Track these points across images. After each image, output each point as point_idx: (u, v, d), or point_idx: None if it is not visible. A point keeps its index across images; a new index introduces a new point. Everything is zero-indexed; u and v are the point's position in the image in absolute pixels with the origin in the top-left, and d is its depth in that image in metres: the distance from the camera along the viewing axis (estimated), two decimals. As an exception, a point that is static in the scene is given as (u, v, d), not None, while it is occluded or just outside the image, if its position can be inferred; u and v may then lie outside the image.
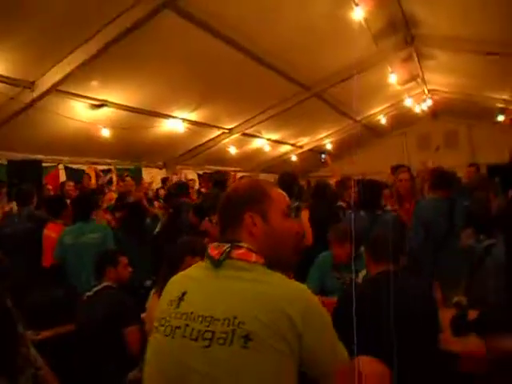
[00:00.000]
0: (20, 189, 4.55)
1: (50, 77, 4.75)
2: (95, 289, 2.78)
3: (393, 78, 7.83)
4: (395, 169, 4.79)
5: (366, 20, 5.48)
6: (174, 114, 7.12)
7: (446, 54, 7.18)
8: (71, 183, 5.99)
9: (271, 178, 10.06)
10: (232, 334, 1.04)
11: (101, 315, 2.59)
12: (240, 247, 1.18)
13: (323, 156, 9.17)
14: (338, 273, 3.31)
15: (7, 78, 4.57)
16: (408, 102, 10.18)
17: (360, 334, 1.65)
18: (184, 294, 1.17)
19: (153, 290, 2.63)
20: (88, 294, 2.80)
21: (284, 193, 1.32)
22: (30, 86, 4.80)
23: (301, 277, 3.36)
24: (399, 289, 1.87)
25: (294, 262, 1.31)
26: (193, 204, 5.83)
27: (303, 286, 1.17)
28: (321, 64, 7.01)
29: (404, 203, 4.10)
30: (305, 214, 4.18)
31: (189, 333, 1.09)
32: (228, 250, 1.17)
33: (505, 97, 8.54)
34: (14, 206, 5.19)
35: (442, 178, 3.88)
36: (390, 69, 7.57)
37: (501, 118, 9.63)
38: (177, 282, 1.27)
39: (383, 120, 11.16)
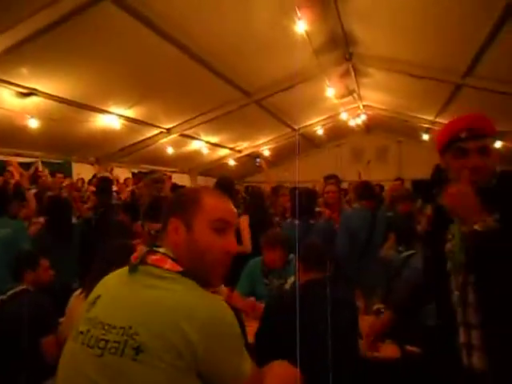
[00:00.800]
0: None
1: (-29, 59, 4.38)
2: (10, 292, 2.59)
3: (330, 92, 8.12)
4: (327, 179, 4.98)
5: (307, 33, 5.65)
6: (109, 110, 6.84)
7: (380, 72, 7.59)
8: None
9: (209, 181, 10.03)
10: (124, 345, 1.00)
11: (14, 321, 2.42)
12: (156, 252, 1.14)
13: (258, 160, 9.27)
14: (267, 279, 3.35)
15: None
16: (344, 116, 10.60)
17: (287, 340, 1.69)
18: (97, 298, 1.13)
19: (76, 293, 2.51)
20: (1, 297, 2.60)
21: (223, 206, 1.23)
22: None
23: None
24: (323, 296, 1.94)
25: (217, 280, 1.22)
26: (122, 203, 5.65)
27: (211, 298, 1.10)
28: (262, 71, 7.10)
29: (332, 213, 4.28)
30: (244, 220, 4.20)
31: (87, 339, 1.06)
32: (144, 254, 1.14)
33: (430, 118, 9.19)
34: None
35: (365, 190, 4.13)
36: (327, 82, 7.85)
37: (426, 137, 10.35)
38: (98, 286, 1.22)
39: (320, 131, 11.52)
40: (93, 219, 4.80)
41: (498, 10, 4.43)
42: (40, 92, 5.55)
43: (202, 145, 10.07)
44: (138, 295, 1.08)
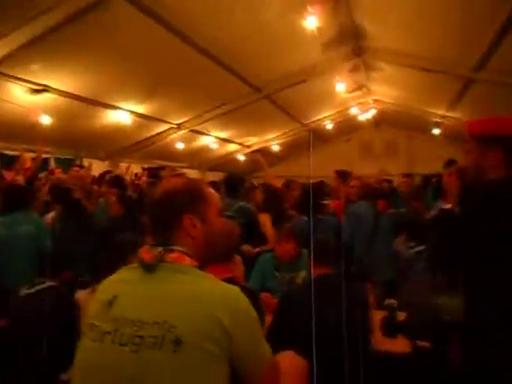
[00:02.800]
0: None
1: (-14, 56, 4.44)
2: (38, 287, 2.65)
3: (340, 87, 8.08)
4: (342, 174, 4.98)
5: (317, 28, 5.63)
6: (120, 106, 6.89)
7: (391, 67, 7.54)
8: (12, 172, 5.69)
9: (217, 176, 10.06)
10: (162, 338, 1.04)
11: (46, 315, 2.46)
12: (173, 251, 1.19)
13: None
14: (279, 273, 3.39)
15: None
16: (353, 111, 10.55)
17: (298, 333, 1.72)
18: (115, 297, 1.16)
19: (90, 289, 2.55)
20: (27, 291, 2.66)
21: (215, 192, 1.37)
22: (-40, 64, 4.46)
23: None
24: (334, 291, 1.97)
25: (229, 254, 1.45)
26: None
27: (234, 288, 1.19)
28: (272, 66, 7.10)
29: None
30: (265, 218, 4.24)
31: (118, 338, 1.08)
32: (161, 253, 1.17)
33: (440, 112, 9.11)
34: None
35: (367, 191, 4.17)
36: (337, 77, 7.82)
37: (436, 131, 10.28)
38: (107, 286, 1.24)
39: (329, 126, 11.49)
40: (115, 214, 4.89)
41: (509, 2, 4.38)
42: (52, 88, 5.60)
43: (211, 140, 10.11)
44: (166, 291, 1.12)
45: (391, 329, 2.45)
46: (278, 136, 11.76)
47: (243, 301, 1.16)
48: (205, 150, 10.65)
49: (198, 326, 1.05)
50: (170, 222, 1.22)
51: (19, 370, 2.47)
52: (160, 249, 1.18)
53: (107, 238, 4.03)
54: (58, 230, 4.21)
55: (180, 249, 1.19)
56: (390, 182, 7.71)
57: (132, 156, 9.27)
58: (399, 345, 2.52)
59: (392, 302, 2.88)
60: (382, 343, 2.46)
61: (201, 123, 8.72)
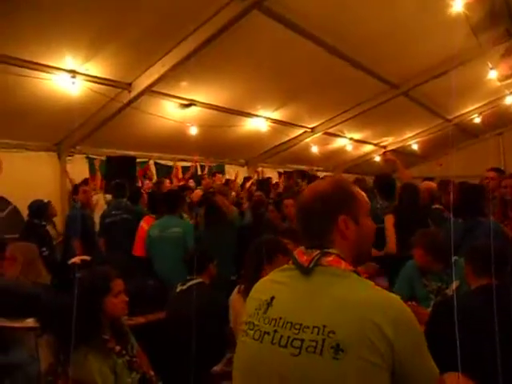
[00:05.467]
0: (117, 183, 4.92)
1: (145, 78, 5.06)
2: (190, 283, 2.90)
3: (491, 74, 7.21)
4: (498, 172, 4.42)
5: (464, 10, 5.10)
6: (257, 113, 7.23)
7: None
8: (167, 180, 6.45)
9: (352, 178, 9.84)
10: (322, 343, 1.02)
11: (197, 311, 2.65)
12: (330, 254, 1.16)
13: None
14: (427, 280, 3.12)
15: (109, 80, 4.95)
16: (509, 100, 9.33)
17: (458, 349, 1.54)
18: (272, 298, 1.17)
19: (237, 288, 2.67)
20: (181, 287, 2.92)
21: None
22: (128, 87, 5.15)
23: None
24: (504, 305, 1.73)
25: (369, 255, 1.38)
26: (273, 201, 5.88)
27: (395, 296, 1.12)
28: (411, 60, 6.66)
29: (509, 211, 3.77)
30: (389, 220, 4.00)
31: (277, 339, 1.08)
32: (318, 256, 1.15)
33: None
34: (107, 198, 5.66)
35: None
36: (489, 63, 6.99)
37: None
38: (264, 286, 1.26)
39: (477, 119, 10.35)
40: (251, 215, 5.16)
41: None
42: (198, 102, 6.14)
43: (345, 142, 9.96)
44: (325, 295, 1.10)
45: None
46: (416, 134, 11.03)
47: (407, 311, 1.08)
48: (339, 152, 10.53)
49: (358, 334, 1.00)
50: (325, 224, 1.19)
51: (174, 360, 2.71)
52: (317, 252, 1.16)
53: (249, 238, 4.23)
54: (202, 232, 4.55)
55: (336, 252, 1.16)
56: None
57: (268, 161, 9.62)
58: None
59: None
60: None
61: (335, 125, 8.65)
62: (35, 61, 4.26)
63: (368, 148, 11.34)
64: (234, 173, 8.26)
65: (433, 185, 5.00)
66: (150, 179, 6.91)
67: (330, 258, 1.15)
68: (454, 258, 2.96)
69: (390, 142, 11.32)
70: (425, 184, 5.00)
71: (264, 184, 7.50)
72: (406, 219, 4.00)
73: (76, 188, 5.63)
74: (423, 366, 1.07)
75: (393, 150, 11.48)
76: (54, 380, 1.98)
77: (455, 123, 10.46)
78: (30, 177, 5.51)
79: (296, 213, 1.28)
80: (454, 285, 2.66)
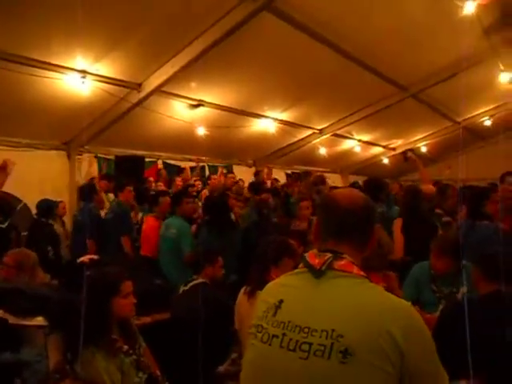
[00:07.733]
0: (120, 182, 4.97)
1: (154, 79, 5.08)
2: (192, 283, 2.91)
3: (504, 77, 7.14)
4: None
5: (476, 13, 5.05)
6: (265, 114, 7.23)
7: None
8: (179, 178, 6.52)
9: (361, 180, 9.79)
10: (330, 348, 1.01)
11: (195, 310, 2.67)
12: (342, 258, 1.15)
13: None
14: (436, 285, 3.09)
15: (119, 80, 4.99)
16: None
17: (466, 355, 1.53)
18: (281, 301, 1.16)
19: (243, 289, 2.66)
20: (184, 287, 2.93)
21: None
22: (137, 87, 5.17)
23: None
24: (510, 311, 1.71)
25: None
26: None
27: (406, 302, 1.12)
28: (419, 62, 6.63)
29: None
30: (397, 224, 3.95)
31: (286, 343, 1.08)
32: (330, 260, 1.15)
33: None
34: (110, 197, 5.69)
35: None
36: (501, 65, 6.92)
37: None
38: (273, 289, 1.26)
39: (488, 122, 10.26)
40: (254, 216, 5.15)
41: None
42: (207, 102, 6.15)
43: (354, 144, 9.92)
44: (335, 299, 1.10)
45: None
46: (426, 136, 10.96)
47: (417, 317, 1.07)
48: (347, 153, 10.49)
49: (367, 339, 0.99)
50: (367, 230, 1.23)
51: (178, 360, 2.71)
52: (329, 255, 1.16)
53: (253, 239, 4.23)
54: (203, 233, 4.55)
55: (349, 257, 1.16)
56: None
57: (276, 162, 9.61)
58: None
59: None
60: None
61: (343, 127, 8.63)
62: (47, 61, 4.31)
63: (376, 150, 11.28)
64: (242, 173, 8.27)
65: (432, 189, 4.94)
66: (164, 180, 6.88)
67: (342, 262, 1.14)
68: (463, 263, 2.93)
69: (399, 144, 11.25)
70: (425, 188, 4.94)
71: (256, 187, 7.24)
72: (410, 223, 3.96)
73: (92, 186, 5.47)
74: (432, 372, 1.06)
75: (402, 152, 11.40)
76: (62, 378, 1.99)
77: (465, 126, 10.37)
78: (40, 175, 5.55)
79: (325, 216, 1.25)
80: (463, 290, 2.64)
